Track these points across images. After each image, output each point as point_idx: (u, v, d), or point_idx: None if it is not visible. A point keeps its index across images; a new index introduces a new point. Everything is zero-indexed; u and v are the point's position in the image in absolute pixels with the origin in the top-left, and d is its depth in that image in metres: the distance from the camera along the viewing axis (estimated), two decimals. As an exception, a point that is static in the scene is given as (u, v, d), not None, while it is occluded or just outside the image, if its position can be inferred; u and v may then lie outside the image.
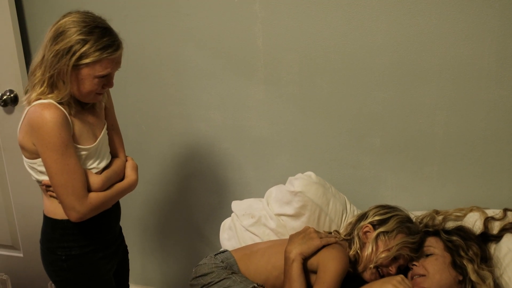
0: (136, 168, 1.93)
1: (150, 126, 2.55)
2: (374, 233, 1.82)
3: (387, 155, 2.22)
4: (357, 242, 1.85)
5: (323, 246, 1.79)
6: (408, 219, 1.87)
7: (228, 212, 2.24)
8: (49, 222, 1.80)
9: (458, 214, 2.03)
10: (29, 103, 1.65)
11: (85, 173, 1.70)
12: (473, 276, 1.73)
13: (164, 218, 2.73)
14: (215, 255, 1.92)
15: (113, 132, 1.92)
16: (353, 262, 1.84)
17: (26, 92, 1.69)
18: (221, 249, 2.00)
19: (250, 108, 2.35)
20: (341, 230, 2.01)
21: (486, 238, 1.92)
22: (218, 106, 2.39)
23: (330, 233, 1.96)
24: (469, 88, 2.03)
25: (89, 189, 1.70)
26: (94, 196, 1.71)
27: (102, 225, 1.83)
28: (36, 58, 1.65)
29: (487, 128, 2.06)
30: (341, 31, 2.11)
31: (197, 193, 2.60)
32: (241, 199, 2.26)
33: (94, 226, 1.79)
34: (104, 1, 2.39)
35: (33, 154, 1.68)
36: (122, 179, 1.88)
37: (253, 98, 2.33)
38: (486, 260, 1.81)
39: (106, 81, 1.69)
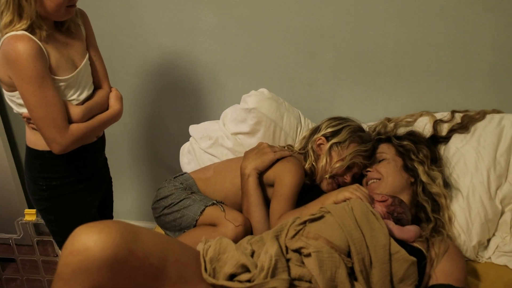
0: (120, 98, 1.88)
1: (103, 57, 2.49)
2: (328, 145, 1.85)
3: (340, 70, 2.23)
4: (312, 155, 1.88)
5: (278, 160, 1.82)
6: (359, 129, 1.90)
7: (187, 138, 2.24)
8: (30, 153, 1.79)
9: (409, 119, 2.08)
10: (1, 33, 1.59)
11: (65, 105, 1.66)
12: (423, 177, 1.79)
13: (125, 150, 2.72)
14: (174, 177, 1.94)
15: (96, 62, 1.86)
16: (309, 175, 1.88)
17: None
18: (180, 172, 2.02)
19: (202, 32, 2.31)
20: (296, 145, 2.03)
21: (436, 140, 1.97)
22: (168, 33, 2.35)
23: (285, 147, 1.99)
24: (417, -4, 2.04)
25: (69, 121, 1.67)
26: (75, 127, 1.68)
27: (82, 157, 1.81)
28: None
29: (436, 35, 2.08)
30: None
31: (155, 122, 2.59)
32: (198, 123, 2.26)
33: (74, 158, 1.77)
34: None
35: (11, 87, 1.64)
36: (106, 110, 1.84)
37: (204, 22, 2.29)
38: (436, 161, 1.86)
39: None
